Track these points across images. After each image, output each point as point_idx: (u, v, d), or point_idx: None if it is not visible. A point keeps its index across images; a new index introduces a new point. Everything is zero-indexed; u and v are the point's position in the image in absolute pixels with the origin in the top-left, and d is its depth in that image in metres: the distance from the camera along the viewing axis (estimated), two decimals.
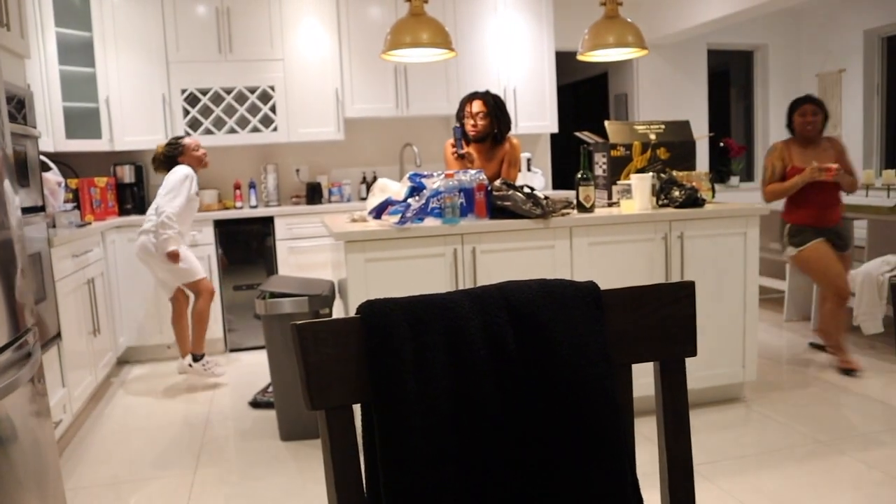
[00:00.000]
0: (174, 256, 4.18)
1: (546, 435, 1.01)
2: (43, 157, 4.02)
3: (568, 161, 7.60)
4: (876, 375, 4.06)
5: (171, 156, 4.38)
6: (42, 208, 3.46)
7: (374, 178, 6.01)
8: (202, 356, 4.42)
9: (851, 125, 6.92)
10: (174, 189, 4.20)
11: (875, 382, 3.94)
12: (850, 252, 4.38)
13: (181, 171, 4.26)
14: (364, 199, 5.89)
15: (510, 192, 3.34)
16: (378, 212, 3.41)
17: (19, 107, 3.28)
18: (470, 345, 0.99)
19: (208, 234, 5.07)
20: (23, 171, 3.24)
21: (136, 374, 4.75)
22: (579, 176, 3.45)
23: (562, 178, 7.25)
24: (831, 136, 4.45)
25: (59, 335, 3.44)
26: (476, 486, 0.99)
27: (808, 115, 4.18)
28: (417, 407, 0.96)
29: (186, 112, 5.27)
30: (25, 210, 3.10)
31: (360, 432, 0.99)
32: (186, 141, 4.39)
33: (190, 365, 4.47)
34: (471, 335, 1.00)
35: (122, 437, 3.61)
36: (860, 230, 5.54)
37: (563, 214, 3.40)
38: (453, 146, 4.01)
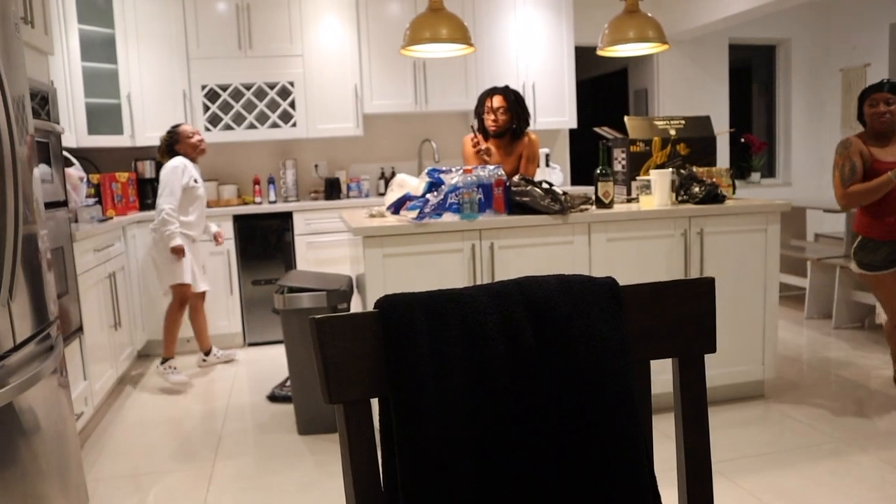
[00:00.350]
0: (178, 251, 4.21)
1: (563, 430, 1.01)
2: (65, 153, 4.06)
3: (587, 157, 7.57)
4: None
5: (169, 144, 4.41)
6: (65, 203, 3.50)
7: (393, 174, 6.02)
8: (168, 359, 4.40)
9: None
10: (166, 184, 4.25)
11: None
12: None
13: (170, 164, 4.30)
14: (382, 194, 5.90)
15: (528, 187, 3.34)
16: (396, 207, 3.41)
17: (43, 103, 3.31)
18: (488, 339, 0.99)
19: (227, 230, 5.10)
20: (46, 166, 3.28)
21: (157, 368, 4.79)
22: (598, 172, 3.43)
23: (581, 173, 7.23)
24: None
25: (80, 328, 3.48)
26: (493, 480, 0.99)
27: (881, 104, 3.50)
28: (435, 401, 0.96)
29: (206, 108, 5.31)
30: (48, 205, 3.14)
31: (378, 426, 1.00)
32: (182, 128, 4.41)
33: (204, 360, 4.55)
34: (488, 330, 0.99)
35: (141, 430, 3.64)
36: None
37: (581, 210, 3.39)
38: (474, 141, 3.99)
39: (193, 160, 4.44)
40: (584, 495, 1.01)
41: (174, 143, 4.40)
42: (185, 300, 4.41)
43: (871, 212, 3.58)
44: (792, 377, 4.04)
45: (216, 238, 4.70)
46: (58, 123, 3.53)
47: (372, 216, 3.47)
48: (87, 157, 5.32)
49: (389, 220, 3.31)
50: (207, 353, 4.71)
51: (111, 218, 4.53)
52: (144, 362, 4.97)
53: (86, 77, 4.95)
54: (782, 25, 7.26)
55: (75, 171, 4.13)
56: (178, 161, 4.31)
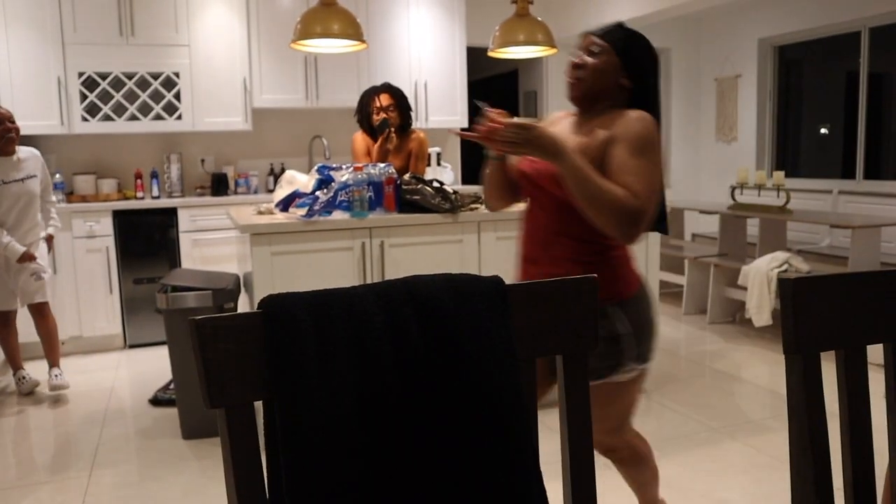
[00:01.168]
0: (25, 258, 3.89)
1: (451, 429, 1.01)
2: None
3: (478, 156, 7.67)
4: (764, 365, 4.28)
5: None
6: None
7: (283, 170, 5.90)
8: (17, 370, 4.17)
9: (746, 128, 7.25)
10: None
11: (763, 372, 4.16)
12: None
13: None
14: (272, 191, 5.78)
15: (419, 185, 3.35)
16: (285, 204, 3.35)
17: None
18: (374, 339, 0.98)
19: (107, 226, 4.85)
20: None
21: (30, 373, 4.51)
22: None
23: (472, 173, 7.32)
24: None
25: None
26: (381, 481, 0.98)
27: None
28: (321, 402, 0.95)
29: (84, 97, 5.03)
30: None
31: (263, 431, 0.97)
32: None
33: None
34: (375, 329, 0.99)
35: (10, 440, 3.42)
36: (752, 228, 5.82)
37: (471, 209, 3.43)
38: (377, 141, 3.91)
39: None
40: (472, 492, 1.02)
41: None
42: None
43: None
44: (670, 370, 4.23)
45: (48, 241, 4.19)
46: None
47: (260, 213, 3.39)
48: None
49: (278, 217, 3.25)
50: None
51: None
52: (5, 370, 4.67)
53: None
54: (663, 35, 7.59)
55: None
56: None
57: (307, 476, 0.94)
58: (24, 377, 4.12)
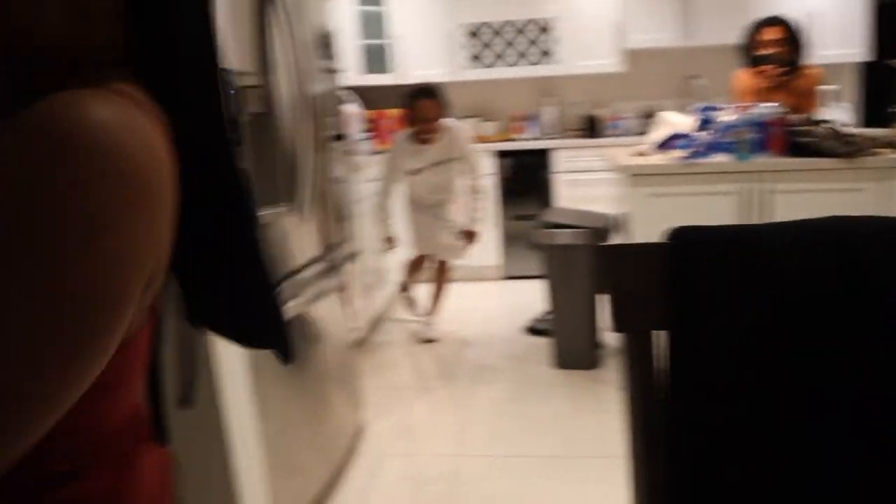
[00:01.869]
0: None
1: (871, 396, 0.91)
2: (344, 91, 4.39)
3: (884, 96, 6.72)
4: None
5: None
6: (342, 137, 3.80)
7: (656, 112, 5.79)
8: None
9: None
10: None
11: None
12: None
13: None
14: (642, 133, 5.70)
15: (811, 127, 3.04)
16: (663, 146, 3.29)
17: (325, 45, 3.60)
18: (788, 281, 0.92)
19: (490, 165, 5.24)
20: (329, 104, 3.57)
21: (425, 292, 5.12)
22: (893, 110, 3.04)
23: (876, 114, 6.43)
24: None
25: (357, 253, 3.80)
26: (780, 436, 0.94)
27: None
28: (725, 339, 0.93)
29: (468, 46, 5.43)
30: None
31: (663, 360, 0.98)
32: None
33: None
34: (790, 270, 0.93)
35: (405, 350, 3.94)
36: None
37: (874, 154, 3.03)
38: (766, 74, 3.65)
39: None
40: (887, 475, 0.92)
41: None
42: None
43: None
44: None
45: None
46: (337, 63, 3.81)
47: (638, 154, 3.38)
48: (358, 95, 5.72)
49: (655, 158, 3.21)
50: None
51: (383, 152, 4.84)
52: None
53: (358, 19, 5.27)
54: None
55: (352, 108, 4.46)
56: None
57: (698, 409, 0.94)
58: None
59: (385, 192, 4.05)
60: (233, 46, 1.90)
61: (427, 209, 4.10)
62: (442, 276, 4.27)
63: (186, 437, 1.73)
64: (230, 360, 1.76)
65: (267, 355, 1.95)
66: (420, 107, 3.86)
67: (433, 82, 4.07)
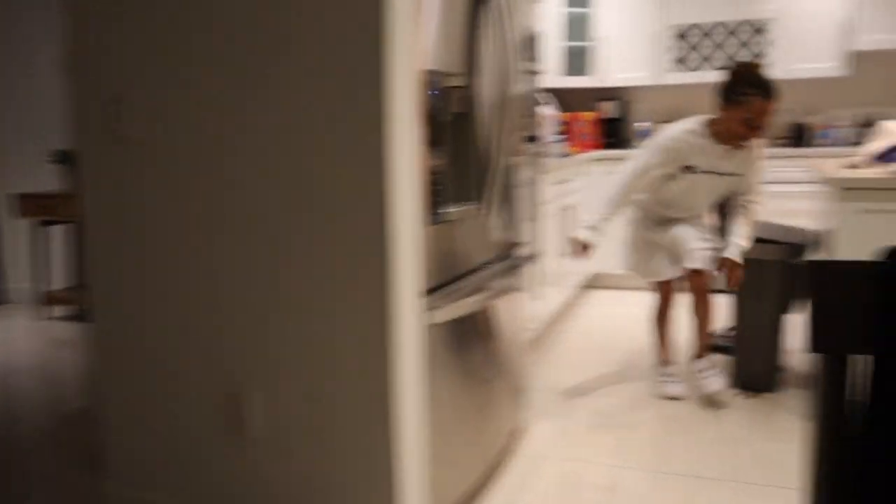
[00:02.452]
0: None
1: None
2: (541, 92, 4.41)
3: None
4: None
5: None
6: (534, 138, 3.82)
7: (877, 121, 5.29)
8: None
9: None
10: None
11: None
12: None
13: None
14: (857, 144, 5.25)
15: None
16: (882, 157, 3.03)
17: (529, 46, 3.64)
18: None
19: None
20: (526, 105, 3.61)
21: (599, 299, 5.05)
22: None
23: None
24: None
25: (538, 254, 3.81)
26: None
27: None
28: None
29: (676, 48, 5.26)
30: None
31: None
32: None
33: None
34: None
35: (578, 353, 3.90)
36: None
37: None
38: None
39: None
40: None
41: None
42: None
43: None
44: None
45: None
46: (539, 65, 3.84)
47: (851, 166, 3.13)
48: (554, 97, 5.72)
49: (869, 171, 2.95)
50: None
51: (573, 154, 4.82)
52: (588, 293, 5.27)
53: (565, 21, 5.27)
54: None
55: (548, 110, 4.47)
56: None
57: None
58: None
59: (628, 186, 3.13)
60: (444, 47, 1.97)
61: (674, 219, 3.26)
62: (700, 297, 3.18)
63: (354, 409, 1.82)
64: (408, 346, 1.84)
65: (444, 340, 2.01)
66: (757, 108, 2.86)
67: (769, 76, 2.95)
